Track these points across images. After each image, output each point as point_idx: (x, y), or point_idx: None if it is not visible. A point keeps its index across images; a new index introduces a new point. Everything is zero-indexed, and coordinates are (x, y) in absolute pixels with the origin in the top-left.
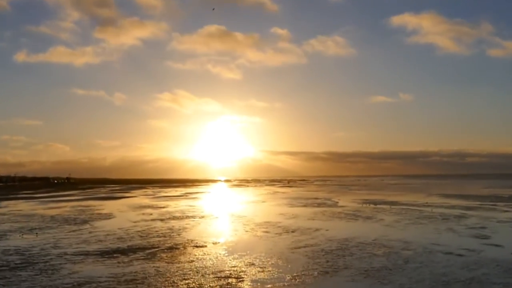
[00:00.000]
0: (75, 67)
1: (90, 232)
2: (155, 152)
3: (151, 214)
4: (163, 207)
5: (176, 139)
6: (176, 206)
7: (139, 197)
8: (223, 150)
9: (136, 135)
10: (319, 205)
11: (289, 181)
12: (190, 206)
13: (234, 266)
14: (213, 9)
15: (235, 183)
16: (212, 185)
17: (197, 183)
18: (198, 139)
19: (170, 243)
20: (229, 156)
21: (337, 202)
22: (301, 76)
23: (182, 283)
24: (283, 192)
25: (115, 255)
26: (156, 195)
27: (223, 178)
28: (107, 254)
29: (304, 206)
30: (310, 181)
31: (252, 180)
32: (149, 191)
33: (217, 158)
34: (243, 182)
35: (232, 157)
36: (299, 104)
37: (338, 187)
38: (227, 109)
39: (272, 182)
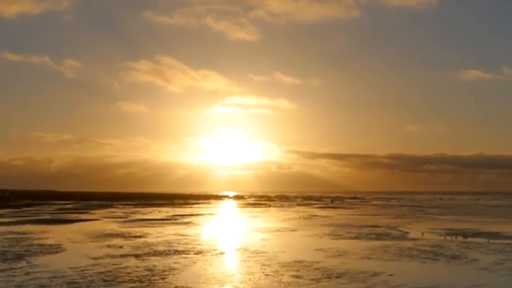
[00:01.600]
0: (3, 20)
1: (27, 274)
2: (127, 152)
3: (121, 246)
4: (140, 237)
5: (160, 132)
6: (159, 235)
7: (103, 221)
8: (232, 151)
9: (97, 125)
10: (379, 236)
11: (333, 200)
12: (181, 235)
13: None
14: None
15: (250, 200)
16: (215, 203)
17: (193, 201)
18: (193, 133)
19: None
20: (241, 159)
21: (407, 233)
22: (352, 38)
23: None
24: (324, 216)
25: None
26: (129, 218)
27: (232, 194)
28: None
29: (356, 238)
30: (366, 199)
31: (276, 196)
32: (119, 211)
33: (223, 162)
34: (263, 200)
35: (245, 162)
36: (348, 82)
37: (409, 210)
38: (237, 87)
39: (308, 200)
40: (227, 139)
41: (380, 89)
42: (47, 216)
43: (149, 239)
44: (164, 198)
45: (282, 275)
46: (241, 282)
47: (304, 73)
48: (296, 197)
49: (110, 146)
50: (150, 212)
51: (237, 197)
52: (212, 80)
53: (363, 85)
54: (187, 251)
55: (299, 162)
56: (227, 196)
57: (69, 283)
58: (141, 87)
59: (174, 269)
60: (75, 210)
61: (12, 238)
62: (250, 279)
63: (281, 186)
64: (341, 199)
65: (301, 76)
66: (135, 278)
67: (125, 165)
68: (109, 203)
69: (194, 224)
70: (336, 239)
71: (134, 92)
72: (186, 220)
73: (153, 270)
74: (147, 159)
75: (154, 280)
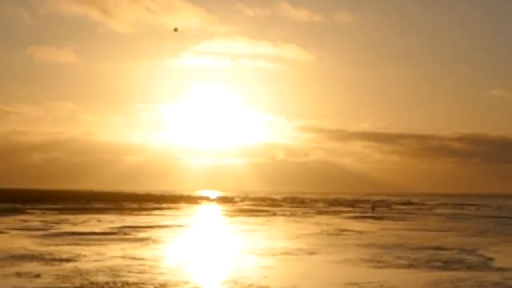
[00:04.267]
0: None
1: None
2: (45, 126)
3: (37, 275)
4: (68, 260)
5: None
6: (99, 258)
7: (9, 234)
8: (213, 127)
9: None
10: (446, 264)
11: (374, 206)
12: (134, 258)
13: None
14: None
15: (243, 205)
16: (187, 209)
17: (152, 205)
18: (150, 98)
19: None
20: (229, 141)
21: (491, 260)
22: None
23: None
24: (360, 232)
25: None
26: (52, 231)
27: (214, 195)
28: None
29: (411, 266)
30: (427, 205)
31: (285, 199)
32: (35, 219)
33: (200, 145)
34: (264, 204)
35: (236, 144)
36: (395, 19)
37: (494, 223)
38: (219, 24)
39: (335, 205)
40: (205, 108)
41: (448, 32)
42: None
43: (82, 264)
44: (106, 199)
45: None
46: None
47: (327, 3)
48: (316, 200)
49: (18, 117)
50: (84, 222)
51: (222, 200)
52: (180, 13)
53: (420, 25)
54: (143, 284)
55: (320, 146)
56: (206, 198)
57: None
58: (67, 23)
59: None
60: None
61: None
62: None
63: (292, 183)
64: (387, 204)
65: (322, 9)
66: None
67: (43, 146)
68: (19, 206)
69: (153, 241)
70: (379, 267)
71: (55, 32)
72: (141, 235)
73: None
74: (77, 137)
75: None
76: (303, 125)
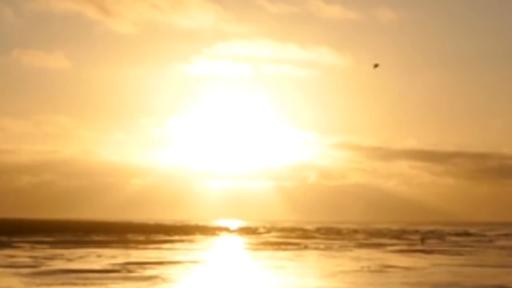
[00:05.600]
0: None
1: None
2: (35, 144)
3: None
4: None
5: (96, 107)
6: None
7: None
8: (233, 145)
9: None
10: None
11: (425, 237)
12: None
13: None
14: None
15: (269, 237)
16: (203, 241)
17: (162, 236)
18: (157, 110)
19: None
20: (251, 162)
21: None
22: None
23: None
24: (407, 268)
25: None
26: (43, 268)
27: (236, 224)
28: None
29: None
30: (487, 236)
31: (318, 229)
32: (23, 255)
33: (218, 167)
34: (294, 236)
35: (260, 166)
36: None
37: None
38: (238, 23)
39: (377, 237)
40: (222, 123)
41: (508, 33)
42: None
43: None
44: (107, 231)
45: None
46: None
47: None
48: (356, 231)
49: (2, 133)
50: (81, 257)
51: (244, 231)
52: (191, 10)
53: (475, 24)
54: None
55: (359, 166)
56: (225, 229)
57: None
58: (58, 23)
59: None
60: None
61: None
62: None
63: (327, 210)
64: (439, 235)
65: (359, 5)
66: None
67: (33, 168)
68: (4, 239)
69: (162, 280)
70: None
71: (45, 33)
72: (148, 272)
73: None
74: (73, 157)
75: None
76: (338, 141)
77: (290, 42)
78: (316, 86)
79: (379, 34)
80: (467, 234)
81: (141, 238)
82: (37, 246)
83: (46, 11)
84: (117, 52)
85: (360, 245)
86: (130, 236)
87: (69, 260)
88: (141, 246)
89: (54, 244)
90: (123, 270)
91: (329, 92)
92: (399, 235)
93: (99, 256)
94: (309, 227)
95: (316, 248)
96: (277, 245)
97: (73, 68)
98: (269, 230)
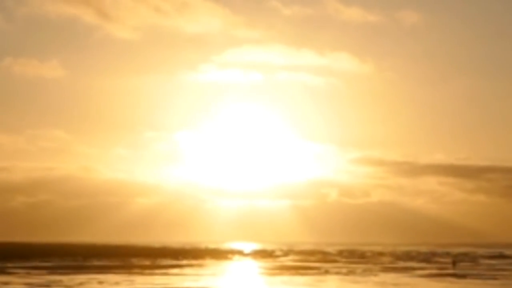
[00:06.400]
0: None
1: None
2: (29, 160)
3: None
4: None
5: (96, 120)
6: None
7: None
8: (246, 161)
9: None
10: None
11: (456, 260)
12: None
13: None
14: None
15: (286, 261)
16: (214, 266)
17: (169, 261)
18: (163, 123)
19: None
20: (266, 179)
21: None
22: None
23: None
24: None
25: None
26: None
27: (250, 247)
28: None
29: None
30: None
31: (340, 252)
32: (19, 281)
33: (230, 184)
34: (314, 260)
35: (276, 183)
36: (475, 17)
37: None
38: (249, 27)
39: (405, 260)
40: (233, 136)
41: None
42: None
43: None
44: (110, 255)
45: None
46: None
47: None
48: (381, 254)
49: None
50: (81, 284)
51: (260, 254)
52: (198, 14)
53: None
54: None
55: (383, 183)
56: (239, 252)
57: None
58: (53, 28)
59: None
60: None
61: None
62: None
63: (349, 231)
64: (471, 258)
65: (380, 7)
66: None
67: (28, 187)
68: None
69: None
70: None
71: (39, 39)
72: None
73: None
74: (71, 174)
75: None
76: (359, 156)
77: (306, 48)
78: (334, 96)
79: (403, 38)
80: (502, 256)
81: (147, 262)
82: (33, 272)
83: (39, 16)
84: (117, 60)
85: (386, 269)
86: (135, 261)
87: (68, 287)
88: (146, 271)
89: (51, 270)
90: None
91: (348, 101)
92: (428, 258)
93: (100, 282)
94: (330, 249)
95: (338, 273)
96: (295, 270)
97: (70, 78)
98: (286, 253)
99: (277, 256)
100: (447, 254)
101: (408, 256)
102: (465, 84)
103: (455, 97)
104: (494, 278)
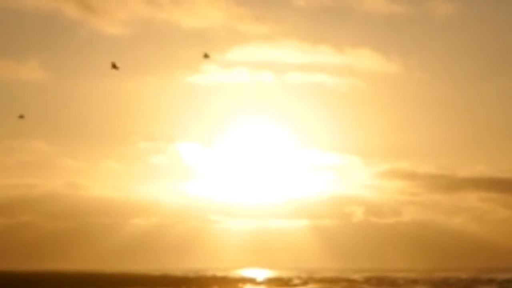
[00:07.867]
0: None
1: None
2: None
3: None
4: None
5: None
6: None
7: None
8: (256, 174)
9: None
10: None
11: (501, 287)
12: None
13: None
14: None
15: None
16: None
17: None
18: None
19: None
20: (280, 194)
21: None
22: None
23: None
24: None
25: None
26: None
27: (263, 274)
28: None
29: None
30: None
31: (367, 279)
32: None
33: (239, 201)
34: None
35: (290, 199)
36: None
37: None
38: (256, 21)
39: (440, 287)
40: (242, 146)
41: None
42: None
43: None
44: (101, 284)
45: None
46: None
47: None
48: (415, 281)
49: None
50: None
51: (275, 283)
52: (197, 6)
53: None
54: None
55: (415, 199)
56: (251, 281)
57: None
58: (31, 24)
59: None
60: None
61: None
62: None
63: (377, 255)
64: None
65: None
66: None
67: (6, 206)
68: None
69: None
70: None
71: (16, 37)
72: None
73: None
74: (56, 192)
75: None
76: (387, 169)
77: (322, 44)
78: (356, 99)
79: (435, 32)
80: None
81: None
82: None
83: (16, 10)
84: (105, 60)
85: None
86: None
87: None
88: None
89: None
90: None
91: (372, 105)
92: (469, 285)
93: None
94: (356, 276)
95: None
96: None
97: (51, 80)
98: (305, 282)
99: (295, 285)
100: (491, 281)
101: (446, 283)
102: (508, 84)
103: (497, 99)
104: None
